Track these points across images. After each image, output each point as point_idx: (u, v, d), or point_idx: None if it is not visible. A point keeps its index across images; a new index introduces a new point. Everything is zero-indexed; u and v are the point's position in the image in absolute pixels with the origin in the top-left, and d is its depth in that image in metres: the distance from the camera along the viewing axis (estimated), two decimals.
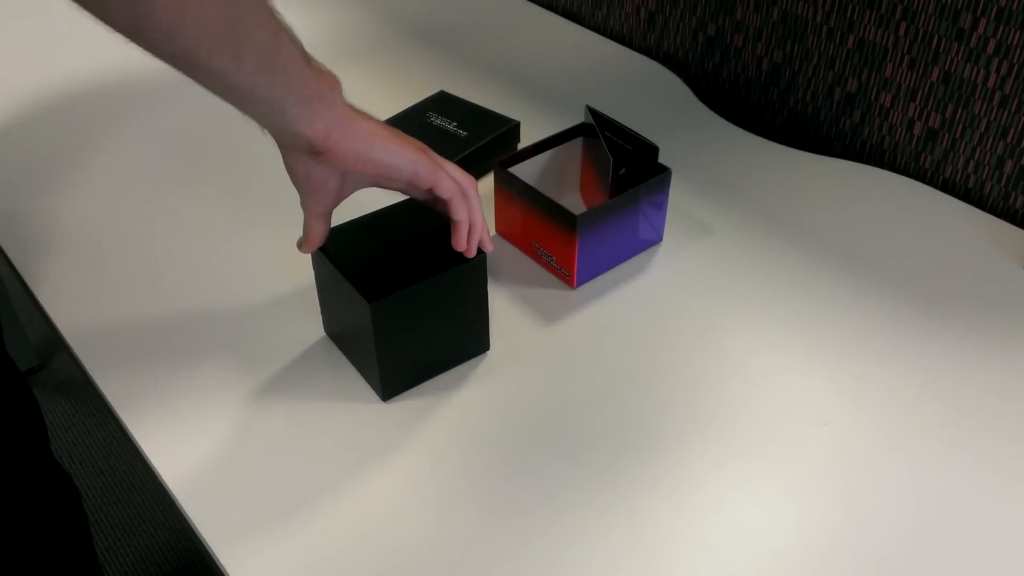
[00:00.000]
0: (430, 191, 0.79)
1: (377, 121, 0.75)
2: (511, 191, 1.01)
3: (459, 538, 0.75)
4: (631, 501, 0.78)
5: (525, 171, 1.05)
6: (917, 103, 1.15)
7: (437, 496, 0.78)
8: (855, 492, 0.79)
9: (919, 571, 0.72)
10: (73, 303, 0.98)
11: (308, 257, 1.04)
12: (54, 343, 2.17)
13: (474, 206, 0.81)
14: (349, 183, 0.79)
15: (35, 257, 1.04)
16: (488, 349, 0.92)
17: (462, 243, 0.80)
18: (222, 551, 0.74)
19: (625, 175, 1.02)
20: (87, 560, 1.17)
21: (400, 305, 0.80)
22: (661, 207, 1.02)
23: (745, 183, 1.16)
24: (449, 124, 1.17)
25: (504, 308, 0.97)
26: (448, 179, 0.78)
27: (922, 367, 0.90)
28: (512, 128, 1.17)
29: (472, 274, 0.84)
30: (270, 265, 1.03)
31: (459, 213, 0.79)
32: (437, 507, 0.77)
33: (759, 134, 1.32)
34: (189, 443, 0.83)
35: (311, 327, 0.95)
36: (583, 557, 0.73)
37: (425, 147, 0.79)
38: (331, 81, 0.71)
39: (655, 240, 1.06)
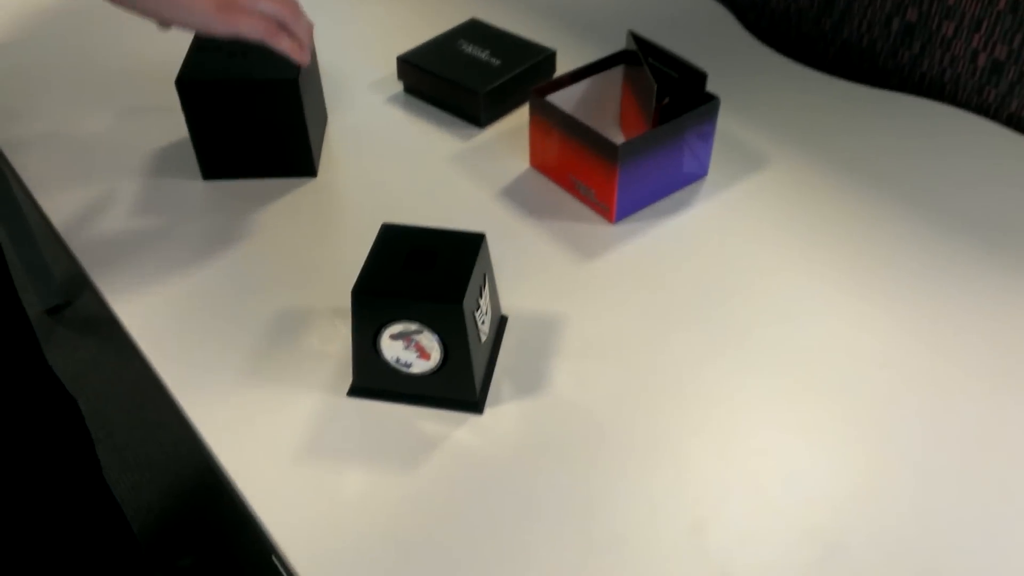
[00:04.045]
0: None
1: None
2: (548, 121, 0.95)
3: (508, 476, 0.71)
4: (674, 443, 0.73)
5: (561, 101, 0.99)
6: (982, 33, 1.07)
7: (479, 429, 0.74)
8: (915, 438, 0.73)
9: (980, 525, 0.68)
10: (97, 240, 0.94)
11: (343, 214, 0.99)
12: (79, 281, 2.15)
13: (296, 30, 0.84)
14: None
15: (57, 189, 1.01)
16: (314, 175, 1.01)
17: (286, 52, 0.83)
18: (247, 488, 0.70)
19: (669, 105, 0.96)
20: (92, 475, 1.15)
21: (208, 93, 0.93)
22: (707, 139, 0.96)
23: (796, 117, 1.10)
24: (481, 53, 1.11)
25: (540, 243, 0.92)
26: (249, 24, 0.80)
27: (987, 310, 0.85)
28: (548, 57, 1.11)
29: (284, 92, 0.93)
30: (282, 211, 0.98)
31: (280, 45, 0.82)
32: (477, 438, 0.73)
33: (810, 67, 1.25)
34: (215, 380, 0.79)
35: (339, 286, 0.90)
36: (627, 499, 0.69)
37: None
38: None
39: (700, 174, 1.00)
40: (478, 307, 0.74)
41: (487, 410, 0.76)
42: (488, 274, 0.78)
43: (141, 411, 1.87)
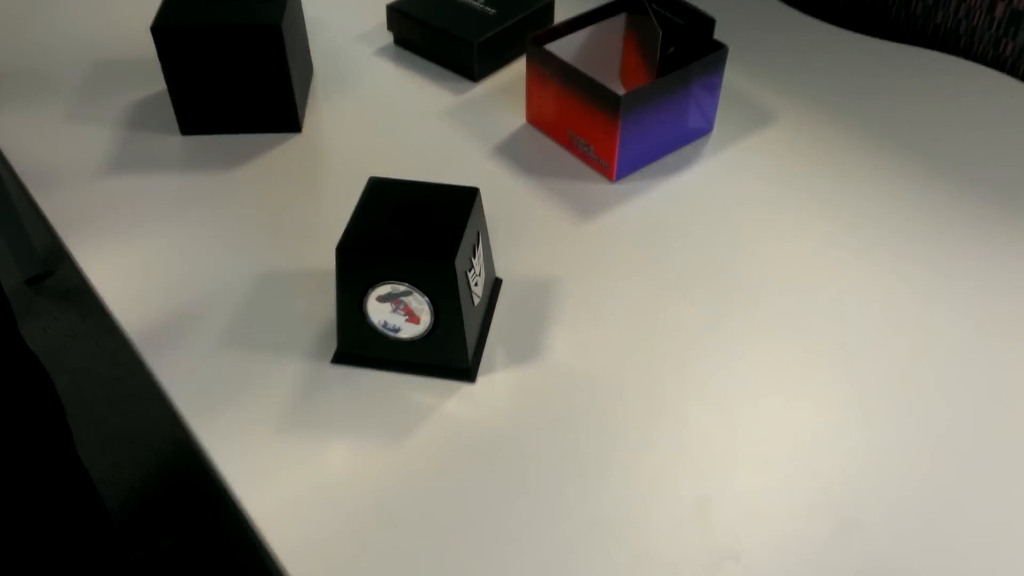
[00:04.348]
0: None
1: None
2: (545, 71, 0.89)
3: (502, 447, 0.66)
4: (679, 412, 0.68)
5: (559, 50, 0.93)
6: None
7: (471, 398, 0.69)
8: (930, 407, 0.69)
9: (999, 498, 0.63)
10: (71, 201, 0.88)
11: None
12: (59, 251, 2.09)
13: None
14: None
15: (29, 148, 0.94)
16: (299, 131, 0.94)
17: None
18: (224, 462, 0.65)
19: (674, 56, 0.90)
20: (63, 449, 1.10)
21: (186, 40, 0.87)
22: (714, 91, 0.91)
23: (804, 70, 1.04)
24: (476, 1, 1.05)
25: (536, 203, 0.87)
26: None
27: (1007, 273, 0.80)
28: (545, 6, 1.05)
29: (266, 39, 0.87)
30: (275, 177, 0.93)
31: None
32: (469, 408, 0.68)
33: (818, 17, 1.19)
34: (191, 347, 0.74)
35: (320, 251, 0.85)
36: (627, 473, 0.64)
37: None
38: None
39: (705, 130, 0.94)
40: (471, 267, 0.69)
41: (480, 378, 0.71)
42: (482, 232, 0.72)
43: (122, 385, 1.81)
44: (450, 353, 0.70)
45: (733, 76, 1.03)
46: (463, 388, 0.70)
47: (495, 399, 0.69)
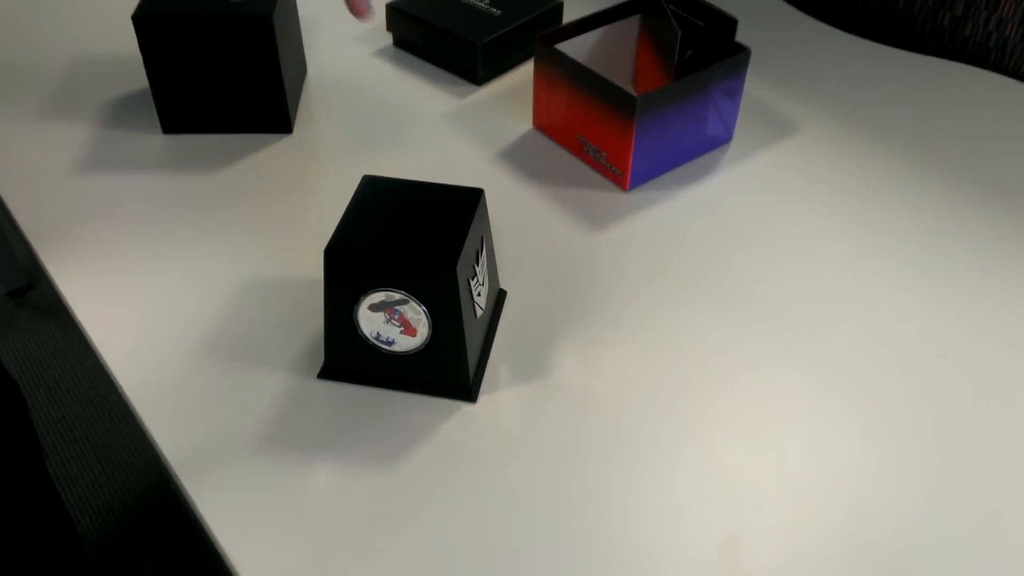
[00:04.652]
0: None
1: None
2: (555, 71, 0.84)
3: (505, 475, 0.59)
4: (699, 441, 0.62)
5: (569, 52, 0.88)
6: None
7: (471, 420, 0.63)
8: (982, 437, 0.62)
9: None
10: (44, 206, 0.82)
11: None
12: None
13: None
14: None
15: (7, 159, 0.89)
16: (290, 132, 0.89)
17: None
18: (195, 486, 0.59)
19: (692, 60, 0.85)
20: (31, 465, 1.03)
21: (170, 31, 0.81)
22: (735, 96, 0.85)
23: (827, 81, 0.99)
24: (480, 1, 0.99)
25: (543, 212, 0.81)
26: None
27: None
28: (554, 8, 1.00)
29: (256, 31, 0.81)
30: (256, 192, 0.87)
31: None
32: (470, 431, 0.62)
33: (840, 29, 1.14)
34: (167, 360, 0.67)
35: (306, 265, 0.79)
36: (646, 507, 0.58)
37: None
38: None
39: (724, 139, 0.88)
40: (474, 275, 0.63)
41: (481, 398, 0.65)
42: (486, 238, 0.66)
43: (104, 402, 1.74)
44: (449, 369, 0.64)
45: (752, 87, 0.97)
46: (463, 408, 0.64)
47: (498, 421, 0.63)
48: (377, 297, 0.61)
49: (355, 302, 0.61)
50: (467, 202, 0.63)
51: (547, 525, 0.57)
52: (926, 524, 0.57)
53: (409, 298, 0.60)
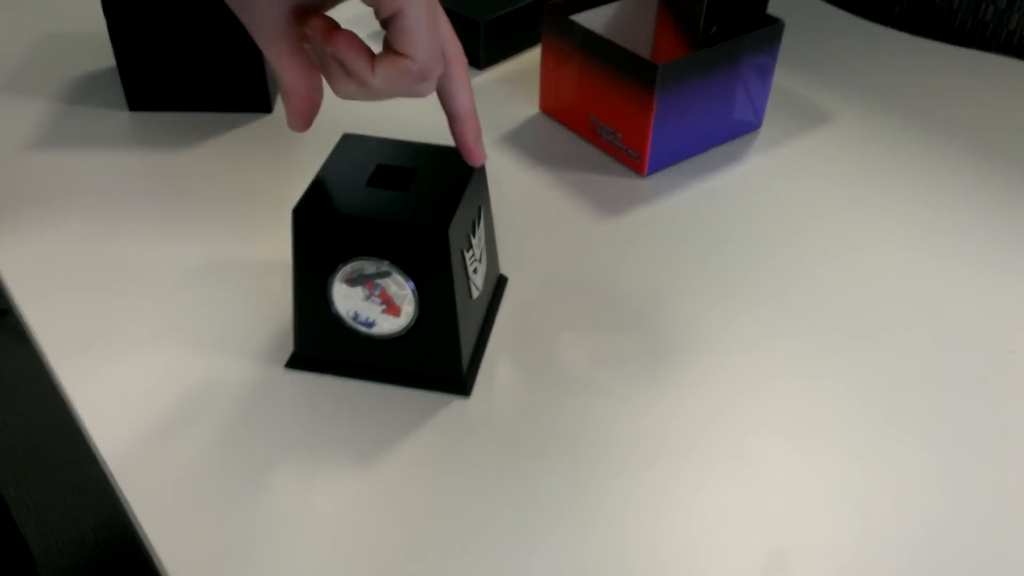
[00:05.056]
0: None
1: None
2: (565, 44, 0.75)
3: (503, 481, 0.50)
4: (734, 444, 0.52)
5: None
6: None
7: (464, 417, 0.53)
8: None
9: None
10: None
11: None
12: None
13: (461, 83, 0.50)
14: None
15: None
16: (269, 111, 0.80)
17: (462, 140, 0.51)
18: (135, 496, 0.49)
19: (717, 36, 0.76)
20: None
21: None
22: (766, 76, 0.76)
23: (861, 73, 0.90)
24: None
25: (550, 198, 0.72)
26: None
27: None
28: None
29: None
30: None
31: (427, 89, 0.46)
32: (462, 429, 0.52)
33: (874, 22, 1.06)
34: (114, 344, 0.58)
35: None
36: (672, 521, 0.48)
37: None
38: None
39: (753, 124, 0.80)
40: (469, 247, 0.54)
41: (476, 392, 0.55)
42: (485, 209, 0.57)
43: (80, 430, 1.64)
44: (439, 357, 0.54)
45: (782, 78, 0.89)
46: (454, 403, 0.54)
47: (495, 418, 0.53)
48: (355, 267, 0.51)
49: (329, 275, 0.52)
50: (463, 165, 0.54)
51: (552, 542, 0.47)
52: (1001, 542, 0.47)
53: (392, 269, 0.51)
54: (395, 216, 0.50)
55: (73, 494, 1.52)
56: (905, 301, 0.63)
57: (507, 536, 0.47)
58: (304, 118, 0.48)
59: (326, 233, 0.51)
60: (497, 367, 0.57)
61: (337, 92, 0.46)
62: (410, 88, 0.45)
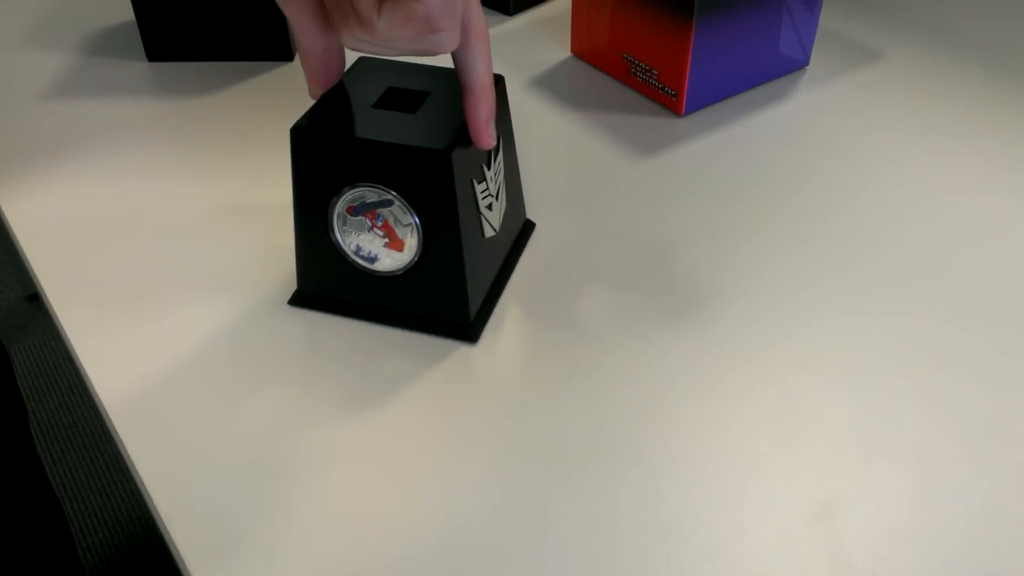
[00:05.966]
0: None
1: None
2: None
3: (512, 437, 0.45)
4: (778, 384, 0.47)
5: None
6: None
7: (469, 365, 0.48)
8: None
9: None
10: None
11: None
12: None
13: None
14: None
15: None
16: (290, 59, 0.76)
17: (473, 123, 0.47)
18: (129, 436, 0.45)
19: None
20: (22, 449, 0.91)
21: None
22: (814, 8, 0.70)
23: (910, 10, 0.84)
24: None
25: (582, 139, 0.67)
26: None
27: None
28: None
29: None
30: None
31: (437, 44, 0.42)
32: (466, 379, 0.47)
33: None
34: (111, 303, 0.55)
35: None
36: (708, 468, 0.43)
37: None
38: None
39: (800, 62, 0.74)
40: (482, 178, 0.49)
41: (483, 339, 0.50)
42: (505, 141, 0.52)
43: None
44: (444, 299, 0.49)
45: (827, 19, 0.82)
46: (459, 350, 0.50)
47: (504, 369, 0.49)
48: (356, 194, 0.47)
49: (329, 202, 0.48)
50: None
51: (578, 488, 0.42)
52: None
53: (395, 198, 0.46)
54: (396, 138, 0.45)
55: (109, 472, 1.51)
56: (980, 244, 0.57)
57: (511, 486, 0.42)
58: (322, 81, 0.46)
59: (323, 155, 0.46)
60: (509, 315, 0.52)
61: (344, 40, 0.42)
62: (419, 41, 0.41)
